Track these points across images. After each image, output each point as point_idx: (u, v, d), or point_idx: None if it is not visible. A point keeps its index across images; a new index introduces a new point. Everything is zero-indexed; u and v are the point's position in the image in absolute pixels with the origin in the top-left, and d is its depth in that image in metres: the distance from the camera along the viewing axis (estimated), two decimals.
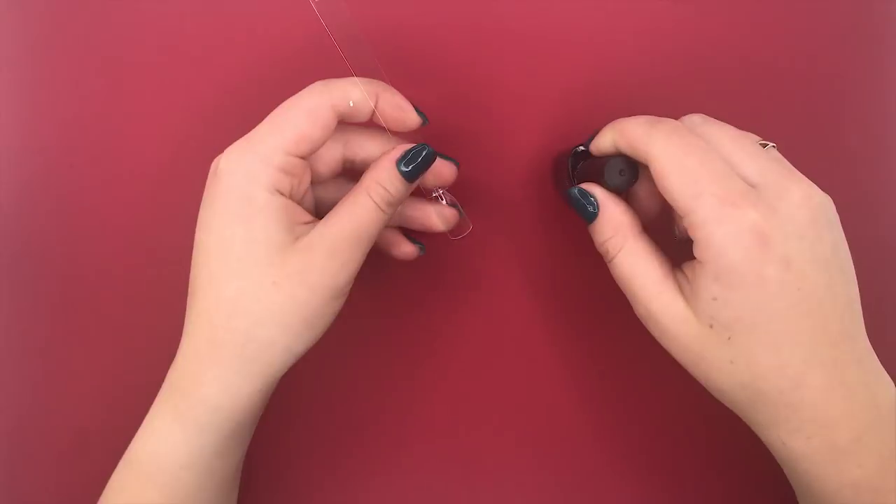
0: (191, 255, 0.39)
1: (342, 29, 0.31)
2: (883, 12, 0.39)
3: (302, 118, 0.30)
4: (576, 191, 0.31)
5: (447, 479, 0.39)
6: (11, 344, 0.40)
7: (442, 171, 0.33)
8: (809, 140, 0.39)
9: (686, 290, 0.28)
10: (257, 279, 0.28)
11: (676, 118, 0.39)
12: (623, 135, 0.30)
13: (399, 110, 0.32)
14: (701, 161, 0.27)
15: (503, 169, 0.39)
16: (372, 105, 0.31)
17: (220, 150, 0.39)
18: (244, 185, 0.29)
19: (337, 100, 0.30)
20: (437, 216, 0.34)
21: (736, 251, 0.26)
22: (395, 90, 0.32)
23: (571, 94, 0.39)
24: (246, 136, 0.30)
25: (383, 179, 0.31)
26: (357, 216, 0.30)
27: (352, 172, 0.34)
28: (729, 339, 0.27)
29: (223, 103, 0.39)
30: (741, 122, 0.39)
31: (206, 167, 0.39)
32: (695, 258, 0.28)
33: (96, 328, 0.39)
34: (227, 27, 0.39)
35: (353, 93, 0.30)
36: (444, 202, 0.34)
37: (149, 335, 0.39)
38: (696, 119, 0.30)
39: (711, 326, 0.27)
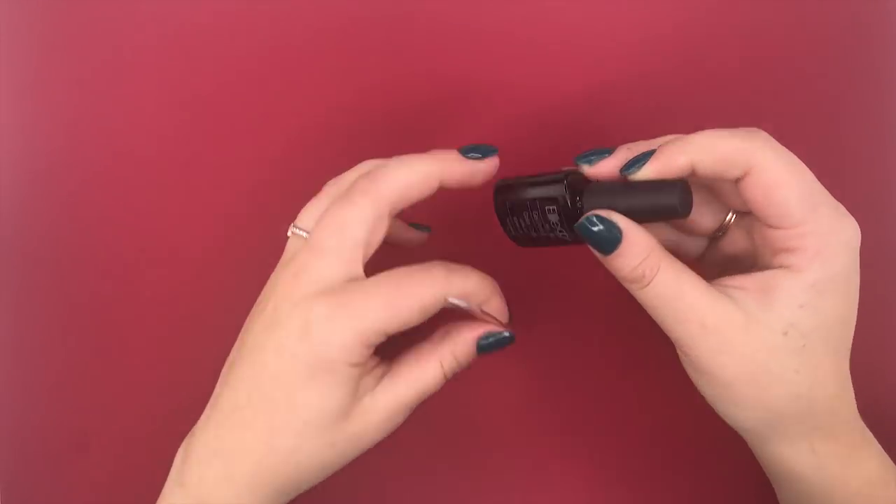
0: (194, 257, 0.39)
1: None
2: (883, 12, 0.39)
3: (414, 313, 0.28)
4: (593, 218, 0.28)
5: (445, 478, 0.39)
6: (11, 344, 0.40)
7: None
8: (809, 140, 0.39)
9: (742, 301, 0.27)
10: (316, 443, 0.29)
11: (677, 117, 0.39)
12: (712, 150, 0.27)
13: (498, 313, 0.30)
14: (809, 172, 0.28)
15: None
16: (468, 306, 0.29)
17: (222, 151, 0.40)
18: (334, 358, 0.28)
19: (451, 295, 0.29)
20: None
21: (845, 260, 0.27)
22: (502, 297, 0.31)
23: (571, 104, 0.39)
24: (350, 299, 0.28)
25: (460, 354, 0.30)
26: (423, 383, 0.30)
27: None
28: (803, 346, 0.27)
29: (225, 105, 0.39)
30: (741, 121, 0.39)
31: (208, 167, 0.40)
32: (756, 270, 0.29)
33: (96, 328, 0.39)
34: (233, 29, 0.39)
35: (461, 292, 0.29)
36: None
37: (149, 335, 0.39)
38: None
39: (786, 334, 0.27)
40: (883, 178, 0.38)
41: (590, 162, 0.29)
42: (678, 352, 0.29)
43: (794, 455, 0.29)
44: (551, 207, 0.30)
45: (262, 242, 0.34)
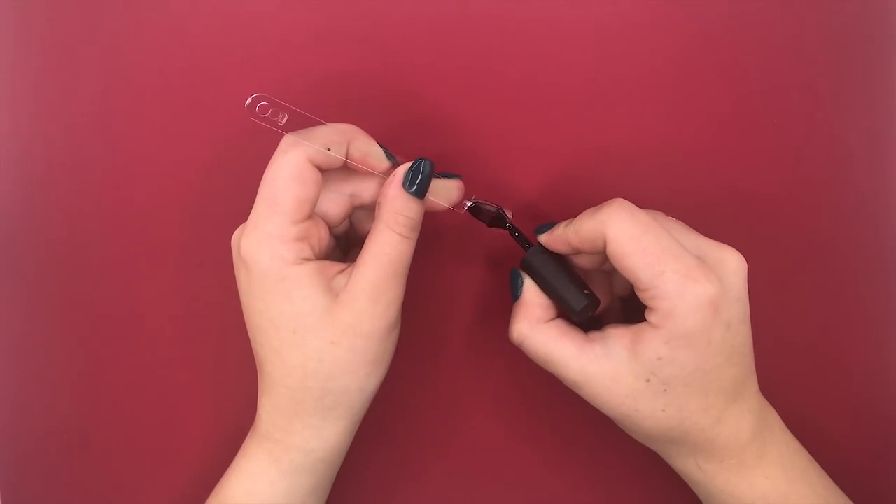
0: (195, 257, 0.39)
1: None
2: (883, 12, 0.39)
3: (290, 186, 0.31)
4: (514, 271, 0.35)
5: (443, 479, 0.39)
6: (11, 344, 0.40)
7: (450, 192, 0.34)
8: (809, 139, 0.39)
9: (615, 351, 0.31)
10: (316, 344, 0.31)
11: (677, 119, 0.39)
12: (579, 232, 0.32)
13: (366, 156, 0.32)
14: (657, 238, 0.30)
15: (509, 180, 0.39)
16: (343, 156, 0.32)
17: (222, 150, 0.40)
18: (272, 267, 0.31)
19: (312, 153, 0.31)
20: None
21: (695, 320, 0.29)
22: (365, 134, 0.33)
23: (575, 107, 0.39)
24: (251, 220, 0.31)
25: (398, 208, 0.31)
26: (386, 255, 0.31)
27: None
28: (664, 391, 0.30)
29: (225, 104, 0.39)
30: (742, 121, 0.39)
31: (208, 167, 0.40)
32: (622, 323, 0.32)
33: (97, 328, 0.40)
34: (233, 29, 0.39)
35: (324, 142, 0.31)
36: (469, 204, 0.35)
37: (149, 335, 0.40)
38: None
39: (648, 381, 0.30)
40: (883, 177, 0.39)
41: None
42: None
43: (684, 469, 0.33)
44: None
45: None
